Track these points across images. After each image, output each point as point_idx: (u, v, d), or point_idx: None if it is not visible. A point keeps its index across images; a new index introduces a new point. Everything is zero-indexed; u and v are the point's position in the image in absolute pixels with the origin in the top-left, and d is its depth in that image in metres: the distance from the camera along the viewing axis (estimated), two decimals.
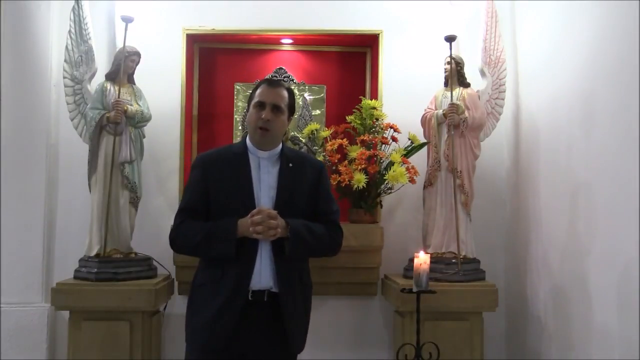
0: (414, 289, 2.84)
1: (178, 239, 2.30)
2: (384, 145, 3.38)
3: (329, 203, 2.37)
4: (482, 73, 3.39)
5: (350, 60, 3.80)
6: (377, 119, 3.41)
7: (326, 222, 2.33)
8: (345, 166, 3.29)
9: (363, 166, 3.23)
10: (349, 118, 3.46)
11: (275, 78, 2.27)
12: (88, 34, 3.29)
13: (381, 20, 3.61)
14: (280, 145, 2.36)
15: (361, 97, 3.55)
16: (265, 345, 2.23)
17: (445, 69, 3.38)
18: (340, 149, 3.36)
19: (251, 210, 2.21)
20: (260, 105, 2.27)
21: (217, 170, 2.29)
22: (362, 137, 3.35)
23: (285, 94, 2.32)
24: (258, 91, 2.30)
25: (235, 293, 2.19)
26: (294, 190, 2.28)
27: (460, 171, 3.23)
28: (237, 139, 3.60)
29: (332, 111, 3.73)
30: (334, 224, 2.36)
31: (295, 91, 3.69)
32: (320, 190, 2.35)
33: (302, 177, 2.31)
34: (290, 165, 2.31)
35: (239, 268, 2.20)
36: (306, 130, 3.51)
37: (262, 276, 2.22)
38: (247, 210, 2.20)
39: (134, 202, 3.25)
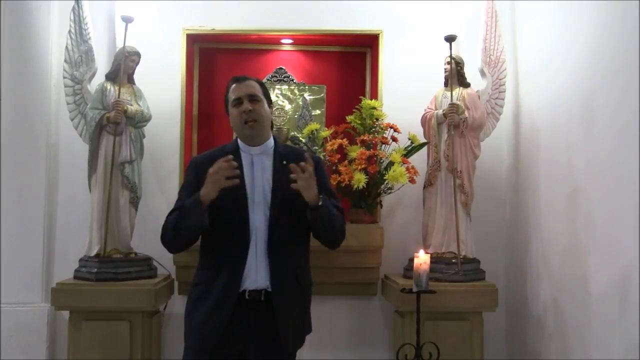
0: (414, 289, 2.84)
1: (163, 232, 2.27)
2: (384, 145, 3.38)
3: (329, 196, 2.31)
4: (482, 73, 3.39)
5: (350, 60, 3.80)
6: (377, 119, 3.41)
7: None
8: (345, 166, 3.29)
9: (363, 166, 3.23)
10: (349, 118, 3.46)
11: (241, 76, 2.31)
12: (88, 34, 3.29)
13: (381, 20, 3.61)
14: (273, 141, 2.34)
15: (361, 97, 3.55)
16: (263, 343, 2.22)
17: (445, 69, 3.38)
18: (340, 149, 3.36)
19: (244, 208, 2.19)
20: (238, 101, 2.27)
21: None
22: (362, 137, 3.35)
23: (256, 84, 2.32)
24: (230, 92, 2.31)
25: (226, 295, 2.18)
26: (290, 188, 2.25)
27: (460, 171, 3.23)
28: None
29: (332, 111, 3.73)
30: (340, 211, 2.32)
31: (295, 91, 3.69)
32: (318, 184, 2.29)
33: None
34: (284, 162, 2.27)
35: (231, 270, 2.19)
36: (306, 130, 3.51)
37: (258, 276, 2.20)
38: (239, 209, 2.19)
39: (134, 202, 3.25)
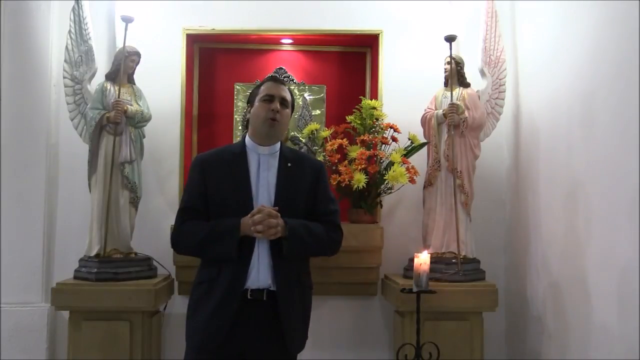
0: (414, 289, 2.85)
1: (180, 240, 2.32)
2: (384, 145, 3.38)
3: (327, 203, 2.37)
4: (482, 73, 3.39)
5: (350, 60, 3.80)
6: (377, 119, 3.41)
7: (325, 222, 2.33)
8: (345, 166, 3.29)
9: (363, 166, 3.23)
10: (349, 118, 3.46)
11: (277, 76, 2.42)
12: (88, 34, 3.29)
13: (381, 20, 3.61)
14: (279, 144, 2.38)
15: (361, 97, 3.55)
16: (264, 344, 2.23)
17: (445, 69, 3.37)
18: (340, 149, 3.36)
19: (249, 209, 2.22)
20: (269, 98, 2.32)
21: (215, 170, 2.30)
22: (362, 137, 3.35)
23: (289, 92, 2.42)
24: (264, 87, 2.36)
25: (230, 293, 2.20)
26: (293, 190, 2.29)
27: (460, 171, 3.23)
28: (237, 139, 3.60)
29: (332, 111, 3.73)
30: (333, 224, 2.36)
31: (295, 91, 3.69)
32: (318, 190, 2.36)
33: (301, 177, 2.32)
34: (289, 165, 2.32)
35: (234, 268, 2.21)
36: (306, 130, 3.51)
37: (260, 275, 2.22)
38: (245, 209, 2.21)
39: (134, 202, 3.25)
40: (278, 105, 2.31)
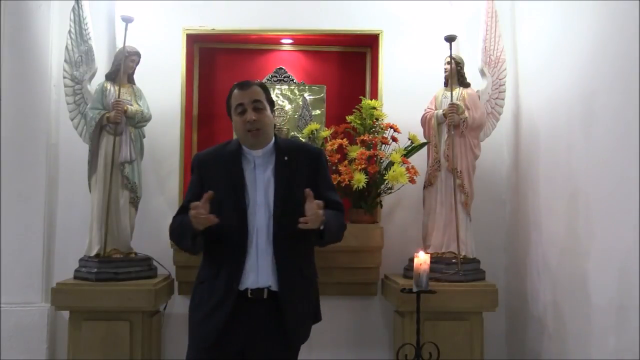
0: (414, 289, 2.85)
1: (170, 234, 2.36)
2: (384, 145, 3.38)
3: (329, 192, 2.33)
4: (482, 73, 3.39)
5: (350, 60, 3.80)
6: (377, 119, 3.41)
7: (333, 209, 2.29)
8: (345, 166, 3.29)
9: (363, 166, 3.23)
10: (349, 118, 3.46)
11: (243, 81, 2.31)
12: (88, 34, 3.29)
13: (381, 20, 3.61)
14: (273, 140, 2.33)
15: (361, 97, 3.55)
16: (265, 342, 2.22)
17: (445, 69, 3.38)
18: (340, 149, 3.36)
19: (242, 210, 2.20)
20: (241, 108, 2.25)
21: (212, 169, 2.30)
22: (362, 137, 3.35)
23: (259, 89, 2.29)
24: (232, 99, 2.29)
25: (226, 293, 2.19)
26: (292, 183, 2.24)
27: (460, 171, 3.23)
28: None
29: (332, 111, 3.73)
30: (342, 211, 2.34)
31: (295, 91, 3.69)
32: (319, 178, 2.32)
33: (299, 168, 2.28)
34: (286, 158, 2.28)
35: (230, 268, 2.20)
36: (306, 130, 3.51)
37: (260, 275, 2.20)
38: (239, 208, 2.20)
39: (134, 202, 3.25)
40: (252, 115, 2.22)
